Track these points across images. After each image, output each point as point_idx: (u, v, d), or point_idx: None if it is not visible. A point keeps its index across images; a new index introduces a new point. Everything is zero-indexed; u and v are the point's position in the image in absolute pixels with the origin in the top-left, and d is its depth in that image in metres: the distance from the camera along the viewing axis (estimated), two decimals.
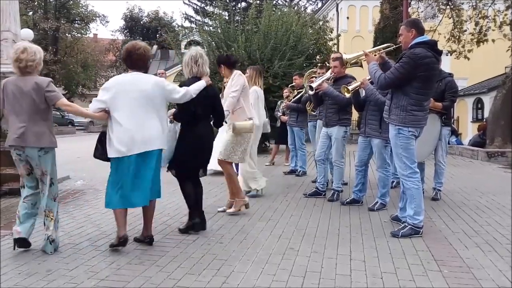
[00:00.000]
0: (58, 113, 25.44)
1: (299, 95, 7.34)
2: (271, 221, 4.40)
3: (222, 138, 5.04)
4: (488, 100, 15.76)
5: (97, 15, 32.41)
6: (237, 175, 5.15)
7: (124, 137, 3.37)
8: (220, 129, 5.71)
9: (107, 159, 3.51)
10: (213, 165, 6.79)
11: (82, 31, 32.23)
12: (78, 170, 7.72)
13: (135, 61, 3.53)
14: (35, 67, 3.36)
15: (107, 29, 47.83)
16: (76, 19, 31.33)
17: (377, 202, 4.89)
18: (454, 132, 13.13)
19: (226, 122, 4.65)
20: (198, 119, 3.93)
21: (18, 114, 3.31)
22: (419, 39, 3.79)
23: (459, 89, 9.52)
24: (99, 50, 35.06)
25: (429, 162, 5.86)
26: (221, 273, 3.02)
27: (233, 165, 5.07)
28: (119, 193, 3.42)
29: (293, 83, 7.75)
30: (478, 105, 17.45)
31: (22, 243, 3.39)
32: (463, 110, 18.25)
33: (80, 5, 31.21)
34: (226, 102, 4.62)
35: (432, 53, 3.72)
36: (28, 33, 13.57)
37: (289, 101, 7.58)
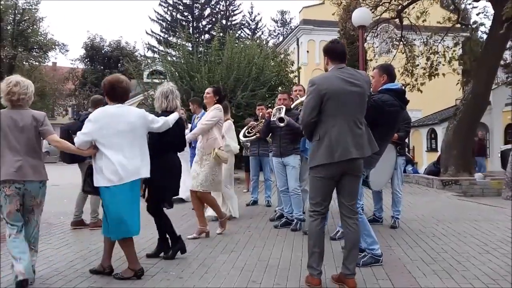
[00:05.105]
0: None
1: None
2: (233, 253, 4.33)
3: (194, 170, 5.15)
4: (440, 131, 16.55)
5: (57, 43, 31.76)
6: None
7: (116, 167, 3.41)
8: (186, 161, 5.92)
9: (98, 192, 3.55)
10: (182, 194, 6.81)
11: (40, 60, 31.39)
12: None
13: (118, 94, 3.64)
14: (27, 101, 3.41)
15: (67, 57, 47.01)
16: (35, 47, 30.53)
17: (338, 231, 4.94)
18: (410, 161, 13.61)
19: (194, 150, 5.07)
20: (167, 149, 4.11)
21: (13, 148, 3.26)
22: (389, 86, 3.85)
23: (414, 120, 9.87)
24: (58, 78, 34.20)
25: (387, 191, 6.02)
26: None
27: None
28: (117, 224, 3.44)
29: (259, 113, 7.62)
30: (432, 135, 18.28)
31: (25, 285, 3.16)
32: (418, 140, 19.04)
33: (39, 33, 30.52)
34: (197, 127, 5.04)
35: (398, 101, 3.74)
36: None
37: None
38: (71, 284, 3.38)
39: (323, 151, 3.22)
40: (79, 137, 3.47)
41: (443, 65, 14.30)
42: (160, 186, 4.05)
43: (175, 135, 4.11)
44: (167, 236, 4.20)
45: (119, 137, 3.47)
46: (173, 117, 4.04)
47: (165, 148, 4.09)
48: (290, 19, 45.14)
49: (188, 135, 4.95)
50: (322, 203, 3.32)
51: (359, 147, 3.23)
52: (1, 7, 27.26)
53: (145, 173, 3.60)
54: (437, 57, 14.44)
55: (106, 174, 3.42)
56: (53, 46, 31.28)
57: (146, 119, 3.70)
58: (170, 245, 4.20)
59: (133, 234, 3.52)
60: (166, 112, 4.15)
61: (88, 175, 3.63)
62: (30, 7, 29.32)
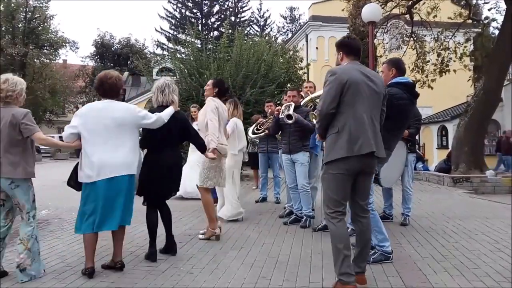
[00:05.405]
0: None
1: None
2: (243, 250, 4.35)
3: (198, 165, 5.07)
4: (451, 128, 16.38)
5: (67, 41, 32.04)
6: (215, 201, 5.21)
7: (94, 163, 3.43)
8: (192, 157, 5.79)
9: (79, 188, 3.58)
10: (181, 191, 6.77)
11: (51, 57, 31.69)
12: (43, 199, 7.43)
13: (107, 90, 3.63)
14: (15, 98, 3.45)
15: (77, 55, 47.36)
16: (45, 45, 30.83)
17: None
18: (421, 158, 13.51)
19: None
20: (162, 145, 4.00)
21: None
22: (398, 79, 3.80)
23: (424, 116, 9.70)
24: (69, 76, 34.51)
25: (397, 188, 5.99)
26: None
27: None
28: (89, 218, 3.45)
29: (268, 110, 7.65)
30: (443, 132, 18.10)
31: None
32: (429, 137, 18.87)
33: (50, 31, 30.79)
34: (209, 131, 4.59)
35: (408, 95, 3.69)
36: None
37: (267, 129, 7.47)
38: (84, 279, 3.42)
39: (342, 144, 3.07)
40: (65, 130, 3.53)
41: (454, 61, 14.16)
42: (144, 183, 3.97)
43: (164, 131, 3.93)
44: (166, 233, 4.16)
45: (104, 132, 3.47)
46: (167, 112, 3.92)
47: (160, 144, 3.99)
48: (299, 15, 45.00)
49: (211, 144, 4.48)
50: (342, 203, 3.16)
51: (376, 144, 3.13)
52: (13, 5, 27.56)
53: (130, 170, 3.54)
54: (448, 53, 14.30)
55: (85, 170, 3.46)
56: (64, 44, 31.58)
57: (135, 114, 3.63)
58: (172, 241, 4.16)
59: (96, 230, 3.48)
60: (161, 107, 4.03)
61: (74, 170, 3.66)
62: (41, 5, 29.61)
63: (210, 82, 5.07)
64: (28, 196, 3.44)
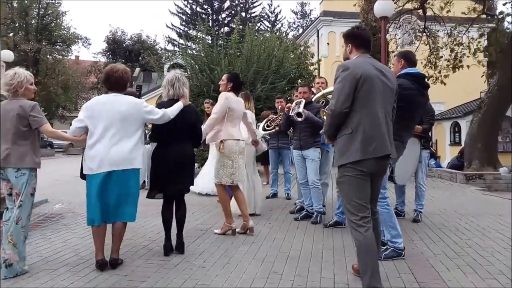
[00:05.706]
0: None
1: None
2: (254, 244, 4.37)
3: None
4: (464, 124, 16.18)
5: (79, 37, 32.38)
6: (230, 198, 5.09)
7: (95, 155, 3.47)
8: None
9: None
10: (195, 187, 6.80)
11: (64, 53, 32.05)
12: (57, 194, 7.55)
13: (113, 83, 3.65)
14: (15, 91, 3.49)
15: (89, 51, 47.85)
16: (58, 41, 31.18)
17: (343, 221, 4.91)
18: (433, 155, 13.38)
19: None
20: (169, 140, 3.98)
21: (4, 137, 3.40)
22: (407, 70, 3.75)
23: (437, 113, 9.54)
24: (81, 72, 34.87)
25: (410, 185, 5.94)
26: None
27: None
28: (91, 211, 3.49)
29: (278, 106, 7.64)
30: (455, 128, 17.89)
31: None
32: (441, 133, 18.67)
33: (62, 27, 31.12)
34: (206, 123, 4.77)
35: (416, 85, 3.64)
36: (8, 54, 13.43)
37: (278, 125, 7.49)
38: (97, 272, 3.47)
39: (356, 146, 2.87)
40: (72, 124, 3.57)
41: (468, 57, 13.95)
42: (152, 177, 4.03)
43: (172, 125, 3.88)
44: (177, 231, 4.11)
45: (107, 126, 3.49)
46: (175, 108, 3.88)
47: (167, 139, 3.97)
48: (310, 10, 44.74)
49: (204, 136, 4.57)
50: (366, 206, 2.91)
51: (391, 145, 2.98)
52: (26, 2, 27.86)
53: (131, 165, 3.52)
54: (462, 49, 14.09)
55: (87, 162, 3.50)
56: (76, 40, 31.96)
57: (140, 109, 3.61)
58: (181, 240, 4.10)
59: (98, 223, 3.50)
60: (172, 100, 4.00)
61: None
62: (53, 1, 29.92)
63: (224, 76, 5.01)
64: (29, 185, 3.43)
